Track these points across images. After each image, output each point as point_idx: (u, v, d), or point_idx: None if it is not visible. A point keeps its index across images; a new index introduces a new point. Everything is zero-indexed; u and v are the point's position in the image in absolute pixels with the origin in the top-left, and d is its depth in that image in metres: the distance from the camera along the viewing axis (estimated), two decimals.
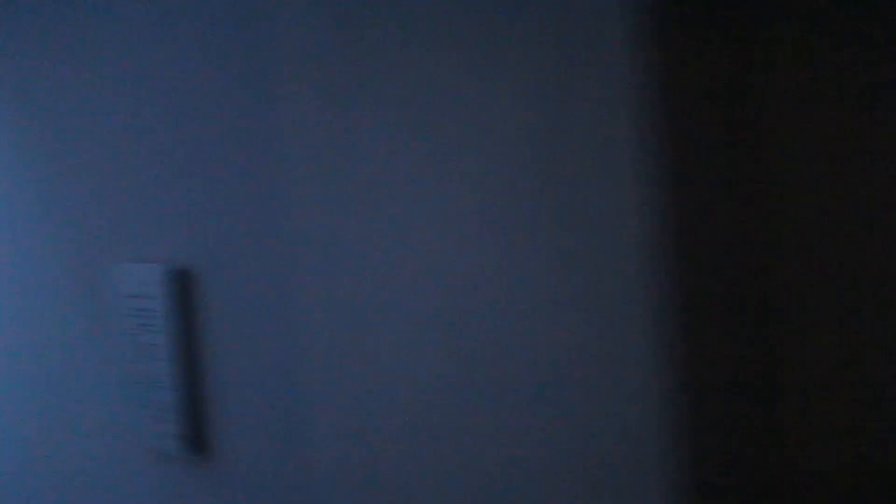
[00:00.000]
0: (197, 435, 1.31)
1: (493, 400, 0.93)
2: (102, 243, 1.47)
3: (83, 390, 1.57)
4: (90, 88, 1.46)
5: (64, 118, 1.53)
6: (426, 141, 0.97)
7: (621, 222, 0.81)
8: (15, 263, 1.71)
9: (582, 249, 0.84)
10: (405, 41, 0.97)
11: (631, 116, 0.80)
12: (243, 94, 1.17)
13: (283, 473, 1.19)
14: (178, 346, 1.31)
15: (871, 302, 0.84)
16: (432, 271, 0.97)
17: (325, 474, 1.12)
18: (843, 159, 0.84)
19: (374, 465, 1.06)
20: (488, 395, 0.93)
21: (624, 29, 0.80)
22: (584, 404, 0.85)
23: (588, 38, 0.82)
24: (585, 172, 0.83)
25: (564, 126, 0.85)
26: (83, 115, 1.48)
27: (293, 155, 1.11)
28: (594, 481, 0.85)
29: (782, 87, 0.85)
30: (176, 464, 1.37)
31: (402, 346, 1.01)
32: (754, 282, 0.85)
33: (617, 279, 0.82)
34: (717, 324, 0.82)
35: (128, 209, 1.40)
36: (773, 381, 0.86)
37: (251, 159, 1.17)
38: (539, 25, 0.86)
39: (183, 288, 1.31)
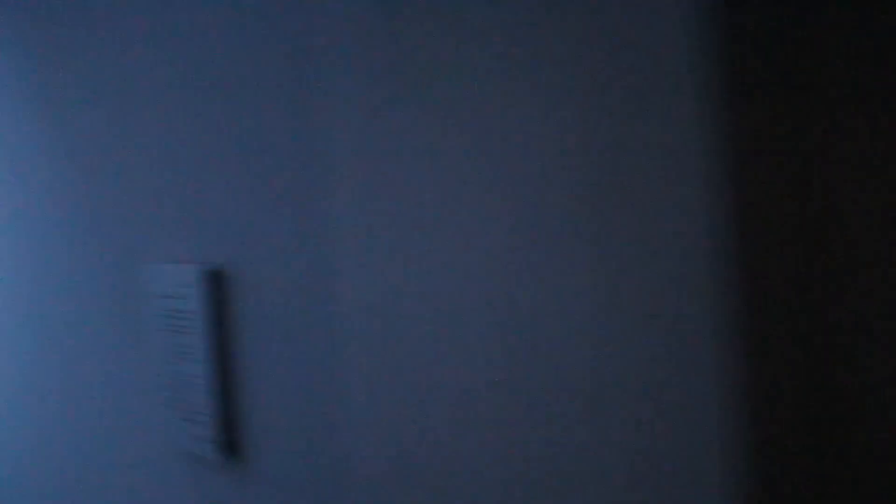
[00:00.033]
0: (230, 437, 1.30)
1: (542, 405, 0.91)
2: (137, 244, 1.46)
3: (116, 392, 1.56)
4: (125, 89, 1.45)
5: (99, 120, 1.53)
6: (474, 143, 0.95)
7: (680, 226, 0.80)
8: (49, 265, 1.71)
9: (639, 253, 0.83)
10: (455, 37, 0.96)
11: (690, 117, 0.79)
12: (283, 93, 1.16)
13: (317, 478, 1.17)
14: (212, 347, 1.30)
15: None
16: (479, 273, 0.96)
17: (360, 479, 1.11)
18: None
19: (414, 472, 1.04)
20: (539, 400, 0.92)
21: (685, 27, 0.79)
22: (643, 410, 0.84)
23: (645, 38, 0.81)
24: (644, 176, 0.82)
25: (623, 130, 0.83)
26: (118, 116, 1.48)
27: (332, 153, 1.10)
28: (652, 486, 0.84)
29: (847, 94, 0.84)
30: (209, 466, 1.36)
31: (444, 349, 1.00)
32: (818, 285, 0.84)
33: (676, 284, 0.81)
34: (778, 328, 0.81)
35: (162, 210, 1.40)
36: (837, 384, 0.84)
37: (288, 159, 1.16)
38: (595, 27, 0.84)
39: (217, 289, 1.30)
